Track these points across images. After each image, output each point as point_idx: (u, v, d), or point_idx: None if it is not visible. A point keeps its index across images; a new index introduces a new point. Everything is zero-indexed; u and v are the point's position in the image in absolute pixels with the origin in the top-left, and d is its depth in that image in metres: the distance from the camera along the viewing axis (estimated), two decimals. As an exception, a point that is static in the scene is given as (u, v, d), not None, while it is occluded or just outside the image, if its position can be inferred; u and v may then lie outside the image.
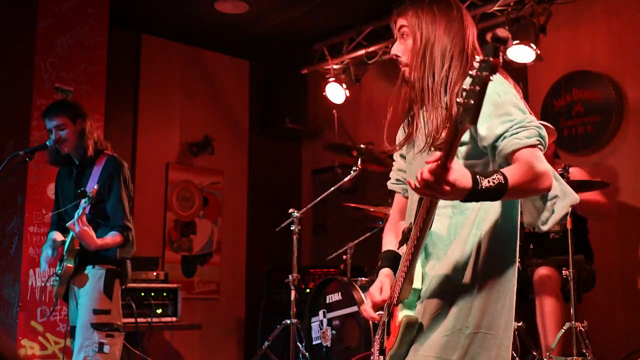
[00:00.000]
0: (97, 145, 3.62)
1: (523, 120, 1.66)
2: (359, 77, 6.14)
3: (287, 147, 7.23)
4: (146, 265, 5.23)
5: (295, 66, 6.53)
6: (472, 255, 1.73)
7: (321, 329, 4.39)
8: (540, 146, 1.66)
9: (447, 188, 1.46)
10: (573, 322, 3.71)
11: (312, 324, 4.46)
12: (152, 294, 5.01)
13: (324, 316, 4.39)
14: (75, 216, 3.33)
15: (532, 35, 4.74)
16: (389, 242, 2.04)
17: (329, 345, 4.33)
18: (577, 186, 3.88)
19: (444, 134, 1.70)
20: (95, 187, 3.31)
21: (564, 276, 3.83)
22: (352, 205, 5.04)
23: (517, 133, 1.65)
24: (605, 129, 4.87)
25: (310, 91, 6.78)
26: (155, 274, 5.22)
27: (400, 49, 1.91)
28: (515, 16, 4.91)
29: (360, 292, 4.15)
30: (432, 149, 1.77)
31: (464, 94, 1.33)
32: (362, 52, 5.94)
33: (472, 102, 1.31)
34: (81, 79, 5.00)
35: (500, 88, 1.72)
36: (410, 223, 1.79)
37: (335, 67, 6.14)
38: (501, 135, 1.66)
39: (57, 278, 3.47)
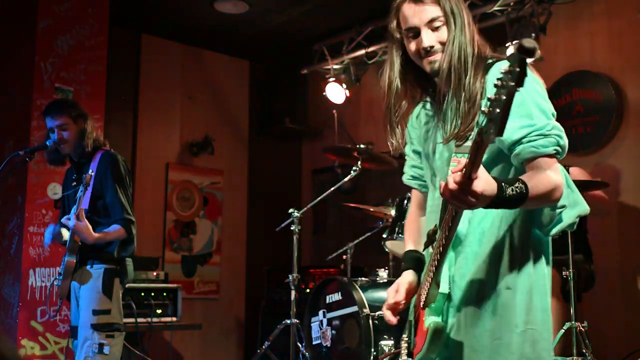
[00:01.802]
0: (95, 144, 3.63)
1: (544, 127, 1.62)
2: (359, 77, 6.14)
3: (287, 147, 7.23)
4: (146, 265, 5.23)
5: (295, 66, 6.53)
6: (507, 250, 1.71)
7: (321, 329, 4.39)
8: (557, 155, 1.64)
9: (473, 200, 1.45)
10: (573, 322, 3.71)
11: (312, 324, 4.46)
12: (152, 294, 5.01)
13: (324, 316, 4.39)
14: (72, 211, 3.33)
15: (532, 35, 4.74)
16: (411, 240, 2.02)
17: (329, 345, 4.33)
18: (577, 186, 3.89)
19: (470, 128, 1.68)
20: (90, 172, 3.31)
21: (564, 276, 3.83)
22: (352, 205, 5.04)
23: (535, 141, 1.61)
24: (605, 129, 4.86)
25: (310, 91, 6.78)
26: (155, 274, 5.22)
27: (432, 39, 1.80)
28: (515, 16, 4.91)
29: (360, 292, 4.15)
30: (458, 140, 1.71)
31: (489, 103, 1.29)
32: (362, 52, 5.94)
33: (498, 111, 1.28)
34: (81, 79, 5.01)
35: (525, 84, 1.68)
36: (435, 225, 1.75)
37: (335, 67, 6.14)
38: (518, 140, 1.63)
39: (60, 276, 3.47)
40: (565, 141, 1.65)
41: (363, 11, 5.80)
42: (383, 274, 4.50)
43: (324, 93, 6.08)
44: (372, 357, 4.02)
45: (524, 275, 1.70)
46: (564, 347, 3.86)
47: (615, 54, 4.91)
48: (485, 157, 1.64)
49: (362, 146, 4.87)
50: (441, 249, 1.66)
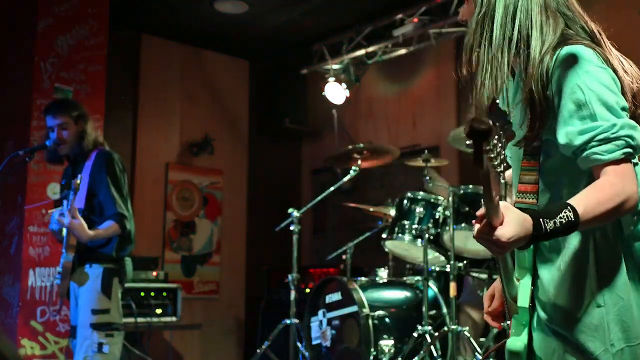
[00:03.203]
0: (94, 143, 3.63)
1: (609, 130, 1.41)
2: (358, 77, 6.14)
3: (287, 147, 7.23)
4: (146, 265, 5.23)
5: (295, 66, 6.53)
6: (592, 263, 1.52)
7: (321, 328, 4.39)
8: (630, 157, 1.42)
9: (500, 248, 1.34)
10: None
11: (311, 324, 4.46)
12: (152, 293, 5.01)
13: (324, 316, 4.39)
14: (65, 209, 3.34)
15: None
16: None
17: (328, 345, 4.33)
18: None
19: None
20: (79, 178, 3.32)
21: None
22: (352, 205, 5.04)
23: (599, 146, 1.41)
24: (605, 129, 4.85)
25: (310, 91, 6.78)
26: (155, 273, 5.22)
27: (464, 12, 1.66)
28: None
29: (360, 292, 4.15)
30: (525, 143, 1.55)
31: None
32: (361, 52, 5.94)
33: (484, 193, 1.23)
34: (81, 79, 5.00)
35: (585, 76, 1.45)
36: None
37: (335, 67, 6.14)
38: (580, 147, 1.43)
39: (60, 276, 3.47)
40: (638, 140, 1.42)
41: (363, 11, 5.80)
42: (383, 274, 4.50)
43: (324, 93, 6.08)
44: (372, 357, 4.02)
45: (617, 289, 1.51)
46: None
47: (615, 54, 4.90)
48: (552, 162, 1.53)
49: (362, 145, 4.88)
50: (500, 266, 1.52)
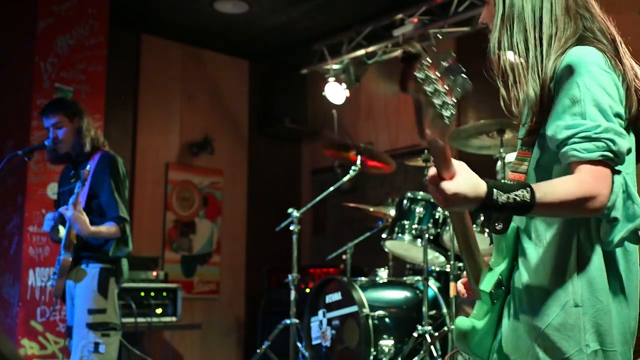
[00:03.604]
0: (94, 143, 3.62)
1: (592, 129, 1.43)
2: (358, 77, 6.14)
3: (287, 147, 7.23)
4: (146, 265, 5.23)
5: (295, 66, 6.53)
6: (573, 260, 1.53)
7: (321, 328, 4.39)
8: (608, 161, 1.43)
9: (446, 201, 1.36)
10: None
11: (311, 324, 4.46)
12: (152, 293, 5.01)
13: (324, 316, 4.39)
14: (70, 201, 3.32)
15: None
16: None
17: (328, 345, 4.33)
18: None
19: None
20: (88, 168, 3.30)
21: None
22: (352, 205, 5.04)
23: (579, 143, 1.43)
24: (605, 129, 4.86)
25: (309, 91, 6.79)
26: (155, 273, 5.22)
27: (484, 15, 1.67)
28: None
29: (360, 292, 4.15)
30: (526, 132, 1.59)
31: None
32: (361, 52, 5.94)
33: (416, 118, 1.27)
34: (81, 79, 5.01)
35: (585, 77, 1.47)
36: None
37: (335, 67, 6.14)
38: (562, 142, 1.46)
39: (55, 276, 3.47)
40: (621, 146, 1.43)
41: (363, 11, 5.80)
42: (383, 274, 4.50)
43: (324, 93, 6.08)
44: (372, 357, 4.02)
45: (597, 292, 1.51)
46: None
47: (615, 54, 4.90)
48: (546, 155, 1.55)
49: (361, 145, 4.88)
50: (459, 244, 1.56)
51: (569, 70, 1.49)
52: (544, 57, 1.55)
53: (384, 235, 4.46)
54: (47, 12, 4.90)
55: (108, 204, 3.48)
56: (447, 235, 4.15)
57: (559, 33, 1.57)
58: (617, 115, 1.47)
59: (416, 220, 4.26)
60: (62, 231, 3.51)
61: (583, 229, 1.53)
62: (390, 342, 4.04)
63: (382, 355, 4.01)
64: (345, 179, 4.86)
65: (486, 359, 1.63)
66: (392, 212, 4.56)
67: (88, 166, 3.33)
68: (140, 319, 4.76)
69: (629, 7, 4.75)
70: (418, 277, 4.39)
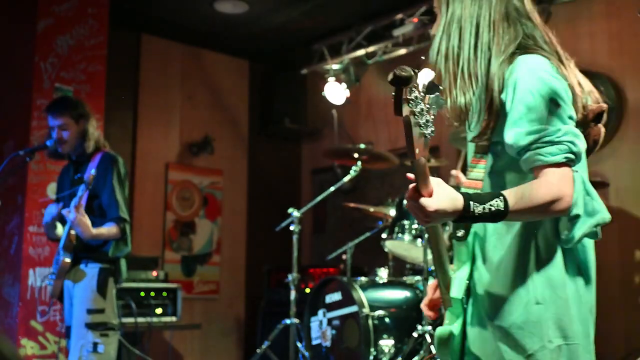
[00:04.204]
0: (96, 145, 3.62)
1: (554, 133, 1.50)
2: (358, 77, 6.14)
3: (287, 147, 7.23)
4: (146, 265, 5.23)
5: (295, 66, 6.53)
6: (532, 260, 1.59)
7: (321, 328, 4.39)
8: (570, 162, 1.51)
9: (426, 217, 1.44)
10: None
11: (311, 324, 4.46)
12: (152, 293, 5.01)
13: (324, 316, 4.39)
14: (72, 204, 3.32)
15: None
16: None
17: (328, 345, 4.33)
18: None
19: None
20: (93, 172, 3.30)
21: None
22: (352, 205, 5.04)
23: (543, 148, 1.50)
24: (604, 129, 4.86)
25: (309, 91, 6.79)
26: (155, 273, 5.22)
27: (434, 26, 1.74)
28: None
29: (360, 292, 4.15)
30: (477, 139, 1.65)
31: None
32: (362, 52, 5.94)
33: (406, 140, 1.33)
34: (81, 79, 5.01)
35: (537, 83, 1.53)
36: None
37: (335, 67, 6.14)
38: (526, 147, 1.52)
39: (53, 276, 3.46)
40: (579, 147, 1.52)
41: (363, 11, 5.80)
42: (383, 274, 4.50)
43: (324, 93, 6.08)
44: (372, 357, 4.02)
45: (556, 287, 1.57)
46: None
47: (615, 54, 4.91)
48: (500, 162, 1.63)
49: (362, 146, 4.88)
50: (433, 255, 1.62)
51: (520, 78, 1.54)
52: (480, 62, 1.61)
53: (384, 235, 4.46)
54: (47, 12, 4.90)
55: (109, 205, 3.48)
56: (447, 235, 4.15)
57: (497, 38, 1.62)
58: (571, 118, 1.55)
59: (416, 220, 4.26)
60: (61, 230, 3.51)
61: (541, 229, 1.59)
62: (390, 342, 4.04)
63: (382, 355, 4.01)
64: (345, 179, 4.87)
65: None
66: (392, 212, 4.56)
67: (93, 171, 3.32)
68: (140, 319, 4.76)
69: (629, 7, 4.75)
70: (418, 277, 4.39)
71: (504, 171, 1.63)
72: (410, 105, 1.30)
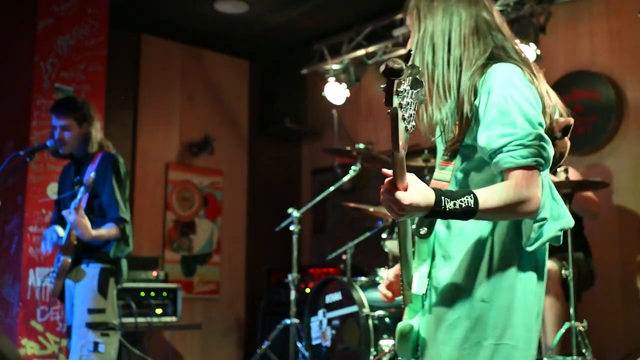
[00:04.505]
0: (99, 146, 3.63)
1: (525, 137, 1.55)
2: (358, 77, 6.14)
3: (287, 147, 7.23)
4: (146, 265, 5.23)
5: (294, 66, 6.53)
6: (486, 259, 1.65)
7: (321, 328, 4.40)
8: (539, 167, 1.56)
9: (400, 211, 1.49)
10: (573, 322, 3.71)
11: (311, 324, 4.47)
12: (152, 293, 5.01)
13: (324, 316, 4.39)
14: (72, 206, 3.33)
15: (532, 35, 4.75)
16: None
17: (328, 345, 4.33)
18: (577, 186, 3.90)
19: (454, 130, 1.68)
20: (92, 175, 3.31)
21: (564, 276, 3.83)
22: (352, 205, 5.04)
23: (514, 151, 1.55)
24: (604, 129, 4.87)
25: (309, 91, 6.79)
26: (155, 273, 5.22)
27: (408, 44, 1.83)
28: (515, 16, 4.92)
29: (360, 292, 4.15)
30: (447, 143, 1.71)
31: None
32: (362, 52, 5.94)
33: (392, 132, 1.36)
34: (81, 79, 5.01)
35: (510, 89, 1.60)
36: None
37: (335, 67, 6.14)
38: (498, 149, 1.57)
39: (54, 275, 3.47)
40: (549, 152, 1.57)
41: (363, 11, 5.80)
42: (383, 274, 4.50)
43: (324, 93, 6.08)
44: (372, 357, 4.02)
45: (504, 289, 1.62)
46: (563, 346, 3.87)
47: (615, 54, 4.91)
48: (467, 164, 1.69)
49: (361, 146, 4.88)
50: (400, 252, 1.66)
51: (494, 85, 1.60)
52: (453, 76, 1.67)
53: (384, 235, 4.46)
54: (47, 12, 4.90)
55: (109, 205, 3.49)
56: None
57: (467, 52, 1.69)
58: (540, 124, 1.60)
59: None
60: (61, 232, 3.52)
61: (500, 231, 1.65)
62: (390, 342, 4.04)
63: (382, 355, 4.01)
64: (345, 179, 4.86)
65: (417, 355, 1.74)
66: (392, 212, 4.55)
67: (92, 174, 3.33)
68: (140, 319, 4.76)
69: (629, 7, 4.75)
70: (418, 277, 4.39)
71: (471, 173, 1.69)
72: (399, 97, 1.35)
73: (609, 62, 4.92)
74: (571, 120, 1.72)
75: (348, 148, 4.92)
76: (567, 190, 3.78)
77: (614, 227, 4.75)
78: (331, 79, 6.05)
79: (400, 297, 1.80)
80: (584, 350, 3.69)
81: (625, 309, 4.66)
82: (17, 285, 4.61)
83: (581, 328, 3.71)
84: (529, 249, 1.63)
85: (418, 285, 1.70)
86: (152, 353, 5.00)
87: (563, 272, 3.84)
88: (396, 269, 1.91)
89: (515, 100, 1.58)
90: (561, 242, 1.65)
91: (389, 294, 1.93)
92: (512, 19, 4.93)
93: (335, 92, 6.07)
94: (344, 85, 6.06)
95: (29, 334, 4.54)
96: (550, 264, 4.04)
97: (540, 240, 1.61)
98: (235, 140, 6.84)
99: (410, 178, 1.48)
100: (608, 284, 4.67)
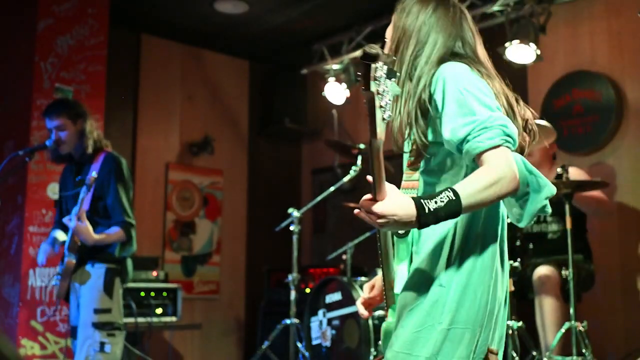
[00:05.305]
0: (97, 144, 3.62)
1: (486, 120, 1.58)
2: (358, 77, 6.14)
3: (287, 147, 7.23)
4: (146, 265, 5.23)
5: (294, 66, 6.53)
6: (447, 247, 1.67)
7: (321, 328, 4.40)
8: (507, 144, 1.58)
9: (381, 222, 1.50)
10: (573, 322, 3.71)
11: (311, 324, 4.47)
12: (152, 293, 5.01)
13: (324, 316, 4.39)
14: (73, 211, 3.33)
15: (532, 35, 4.75)
16: None
17: (328, 345, 4.33)
18: (577, 186, 3.89)
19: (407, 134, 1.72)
20: (94, 174, 3.31)
21: (564, 276, 3.83)
22: (352, 205, 5.04)
23: (479, 135, 1.57)
24: (604, 129, 4.87)
25: (309, 91, 6.79)
26: (155, 273, 5.22)
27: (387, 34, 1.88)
28: (515, 16, 4.92)
29: (360, 292, 4.15)
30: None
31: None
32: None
33: (369, 118, 1.36)
34: (81, 79, 5.01)
35: (463, 82, 1.64)
36: None
37: (335, 67, 6.14)
38: (464, 139, 1.59)
39: (59, 276, 3.47)
40: (512, 130, 1.59)
41: (363, 11, 5.80)
42: (383, 274, 4.50)
43: (324, 93, 6.08)
44: (372, 357, 4.02)
45: (462, 272, 1.65)
46: (563, 347, 3.87)
47: (615, 54, 4.91)
48: (433, 162, 1.72)
49: (362, 146, 4.88)
50: (380, 252, 1.67)
51: (447, 79, 1.65)
52: (417, 73, 1.71)
53: (384, 235, 4.45)
54: (47, 12, 4.90)
55: (113, 208, 3.49)
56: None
57: (428, 50, 1.74)
58: (497, 108, 1.64)
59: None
60: (61, 236, 3.52)
61: (459, 222, 1.67)
62: (390, 342, 4.04)
63: (382, 355, 4.00)
64: (345, 179, 4.87)
65: None
66: (392, 212, 4.55)
67: (94, 172, 3.33)
68: (140, 319, 4.76)
69: (629, 7, 4.75)
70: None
71: (439, 170, 1.72)
72: (375, 83, 1.36)
73: (609, 62, 4.92)
74: (528, 114, 1.77)
75: (349, 143, 4.92)
76: (567, 190, 3.78)
77: (613, 227, 4.75)
78: (331, 79, 6.06)
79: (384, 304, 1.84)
80: (584, 351, 3.69)
81: (625, 309, 4.66)
82: (17, 285, 4.61)
83: (581, 328, 3.71)
84: (522, 224, 1.67)
85: (399, 285, 1.73)
86: (152, 353, 5.00)
87: (563, 272, 3.84)
88: (369, 283, 1.97)
89: (469, 91, 1.62)
90: (550, 211, 1.68)
91: (365, 313, 1.98)
92: (512, 19, 4.93)
93: (335, 92, 6.07)
94: (344, 85, 6.06)
95: (29, 334, 4.54)
96: (548, 270, 4.05)
97: (528, 214, 1.64)
98: (235, 140, 6.84)
99: (390, 189, 1.51)
100: (608, 284, 4.67)
